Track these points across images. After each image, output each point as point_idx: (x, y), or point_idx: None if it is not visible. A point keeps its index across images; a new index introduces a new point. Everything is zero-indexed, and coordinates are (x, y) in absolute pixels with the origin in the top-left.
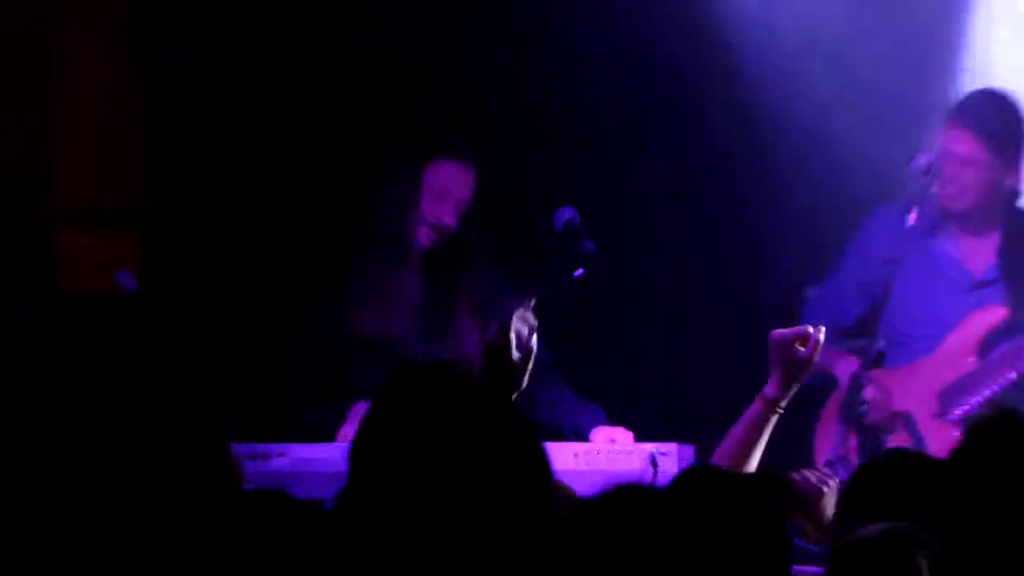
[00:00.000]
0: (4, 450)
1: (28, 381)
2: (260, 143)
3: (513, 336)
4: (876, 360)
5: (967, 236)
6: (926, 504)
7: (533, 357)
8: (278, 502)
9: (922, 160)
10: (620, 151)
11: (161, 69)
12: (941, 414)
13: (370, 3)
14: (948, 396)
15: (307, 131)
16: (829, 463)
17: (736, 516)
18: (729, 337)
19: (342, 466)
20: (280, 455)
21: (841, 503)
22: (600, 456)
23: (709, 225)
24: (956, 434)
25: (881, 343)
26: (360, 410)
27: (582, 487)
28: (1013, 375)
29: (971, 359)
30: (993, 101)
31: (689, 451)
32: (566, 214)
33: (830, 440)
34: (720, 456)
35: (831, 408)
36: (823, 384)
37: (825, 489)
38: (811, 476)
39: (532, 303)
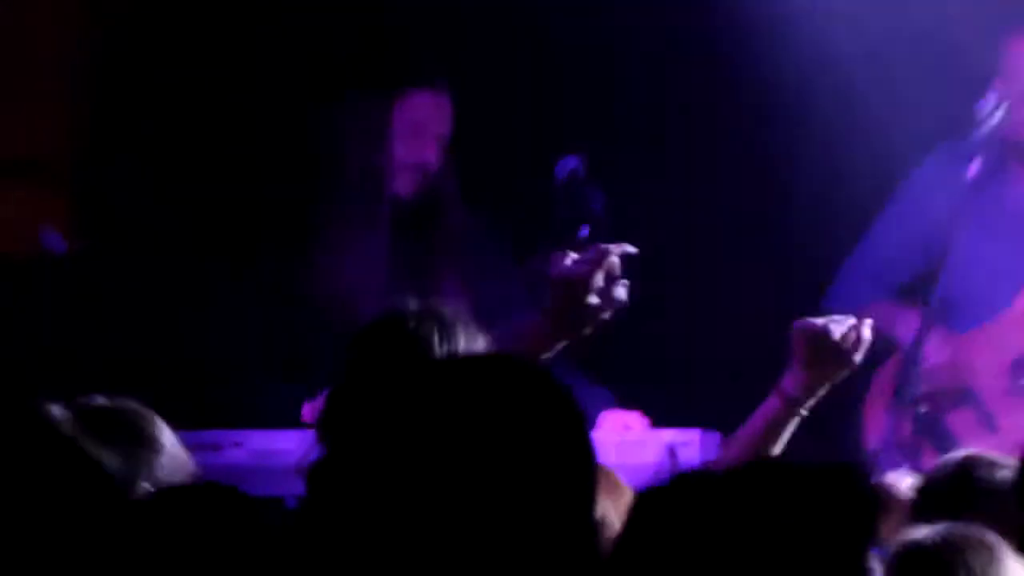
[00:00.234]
0: None
1: None
2: (202, 79)
3: (599, 278)
4: (938, 315)
5: None
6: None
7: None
8: (222, 499)
9: (989, 98)
10: (635, 92)
11: None
12: (1014, 388)
13: None
14: (1022, 367)
15: (255, 62)
16: (877, 451)
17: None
18: (760, 306)
19: (311, 456)
20: (236, 445)
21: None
22: (609, 446)
23: (732, 188)
24: None
25: (941, 301)
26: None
27: None
28: None
29: None
30: None
31: (714, 439)
32: (569, 164)
33: (881, 422)
34: (729, 453)
35: (882, 382)
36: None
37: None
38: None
39: (624, 251)
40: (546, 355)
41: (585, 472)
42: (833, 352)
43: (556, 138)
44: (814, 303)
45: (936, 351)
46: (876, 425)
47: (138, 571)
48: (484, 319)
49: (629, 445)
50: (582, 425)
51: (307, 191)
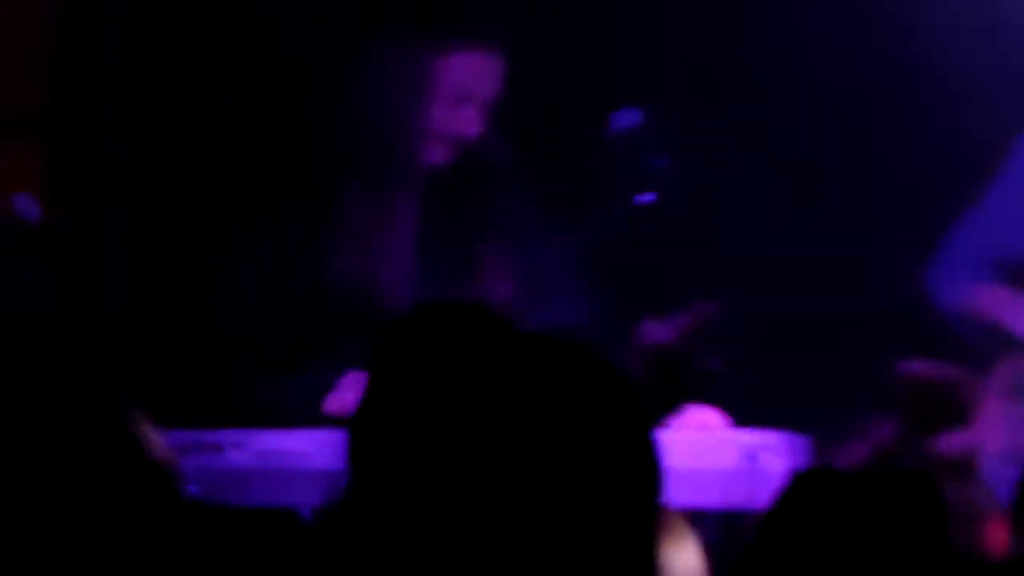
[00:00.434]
0: None
1: None
2: (204, 22)
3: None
4: None
5: None
6: None
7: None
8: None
9: None
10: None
11: None
12: None
13: None
14: None
15: (270, 7)
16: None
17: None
18: (854, 294)
19: (326, 460)
20: (237, 445)
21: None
22: (682, 447)
23: (812, 149)
24: None
25: None
26: (354, 380)
27: None
28: None
29: None
30: None
31: (801, 443)
32: (628, 118)
33: (998, 424)
34: None
35: (998, 379)
36: (985, 345)
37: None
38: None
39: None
40: None
41: (648, 481)
42: (944, 406)
43: (608, 90)
44: (910, 288)
45: None
46: (992, 428)
47: None
48: (531, 299)
49: (704, 446)
50: (646, 422)
51: (327, 153)
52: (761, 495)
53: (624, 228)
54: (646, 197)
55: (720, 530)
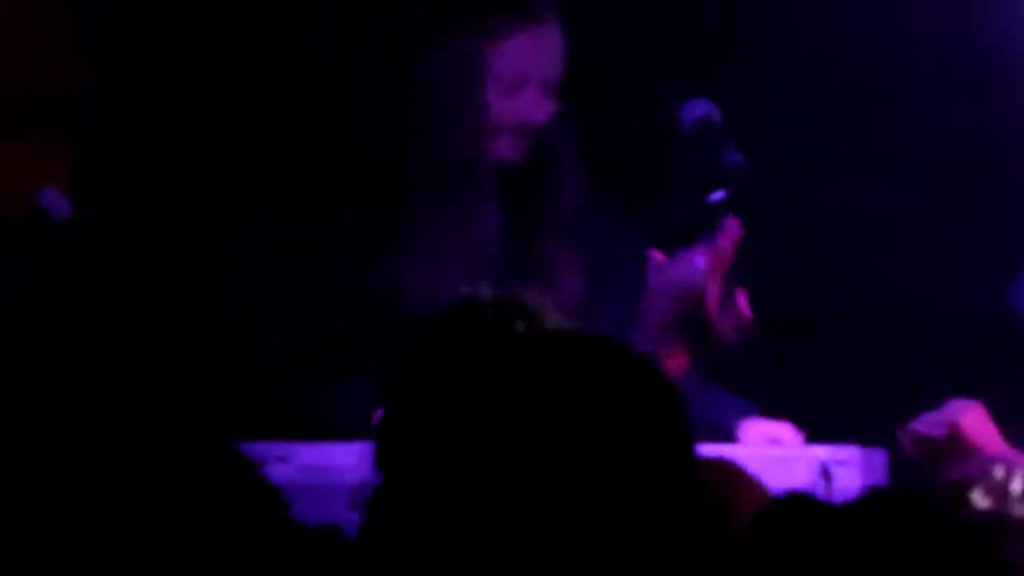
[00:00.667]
0: None
1: None
2: (248, 19)
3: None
4: None
5: None
6: None
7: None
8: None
9: None
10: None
11: None
12: None
13: None
14: None
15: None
16: None
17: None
18: (932, 300)
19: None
20: (281, 459)
21: None
22: (752, 462)
23: (895, 155)
24: None
25: None
26: None
27: None
28: None
29: None
30: None
31: (880, 457)
32: (700, 109)
33: None
34: None
35: None
36: None
37: None
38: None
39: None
40: None
41: (685, 484)
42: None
43: (677, 82)
44: (996, 297)
45: None
46: None
47: None
48: (601, 305)
49: (775, 462)
50: (683, 424)
51: (383, 153)
52: None
53: (698, 225)
54: (718, 195)
55: None
